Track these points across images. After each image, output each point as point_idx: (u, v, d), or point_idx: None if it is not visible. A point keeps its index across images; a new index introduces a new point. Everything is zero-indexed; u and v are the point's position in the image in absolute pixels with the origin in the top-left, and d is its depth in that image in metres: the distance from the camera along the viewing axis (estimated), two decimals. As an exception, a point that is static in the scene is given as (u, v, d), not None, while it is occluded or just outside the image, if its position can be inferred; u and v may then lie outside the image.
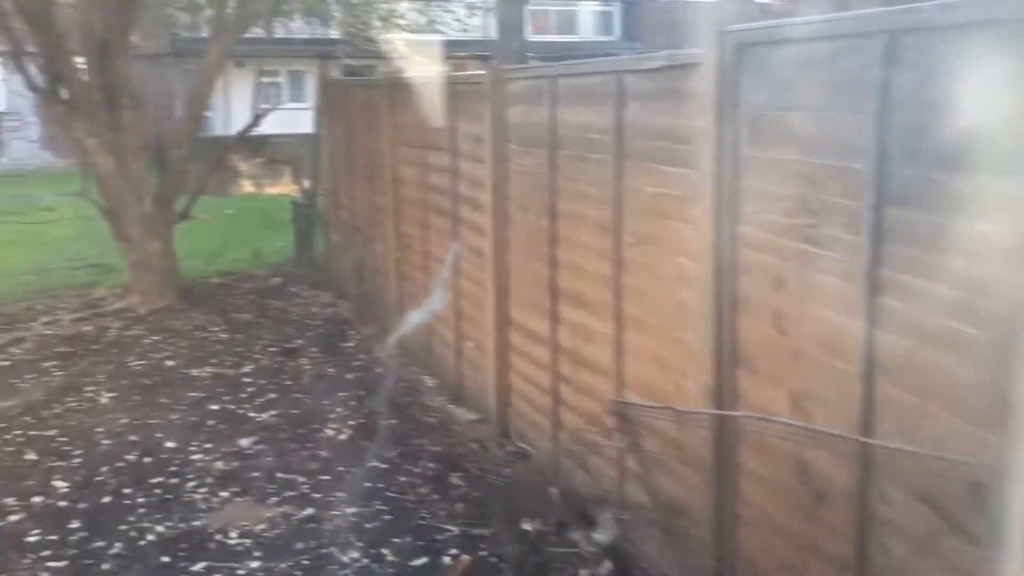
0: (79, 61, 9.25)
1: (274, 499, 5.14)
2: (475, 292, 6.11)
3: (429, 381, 6.93)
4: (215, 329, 8.75)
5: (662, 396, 3.85)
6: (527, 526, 4.57)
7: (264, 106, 10.11)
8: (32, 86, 9.12)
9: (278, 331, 8.68)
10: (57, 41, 8.88)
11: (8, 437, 6.09)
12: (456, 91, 6.26)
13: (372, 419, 6.31)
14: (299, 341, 8.36)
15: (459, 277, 6.42)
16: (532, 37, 21.69)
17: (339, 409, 6.53)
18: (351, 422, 6.28)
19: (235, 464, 5.60)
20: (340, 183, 9.59)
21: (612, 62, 4.32)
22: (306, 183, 11.34)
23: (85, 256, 12.70)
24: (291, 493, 5.21)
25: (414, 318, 6.71)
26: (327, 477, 5.42)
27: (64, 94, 9.13)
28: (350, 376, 7.31)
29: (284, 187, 20.08)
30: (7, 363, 7.77)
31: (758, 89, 3.17)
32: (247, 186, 20.05)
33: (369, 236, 8.58)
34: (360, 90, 8.71)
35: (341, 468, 5.54)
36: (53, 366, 7.66)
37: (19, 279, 11.36)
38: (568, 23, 28.35)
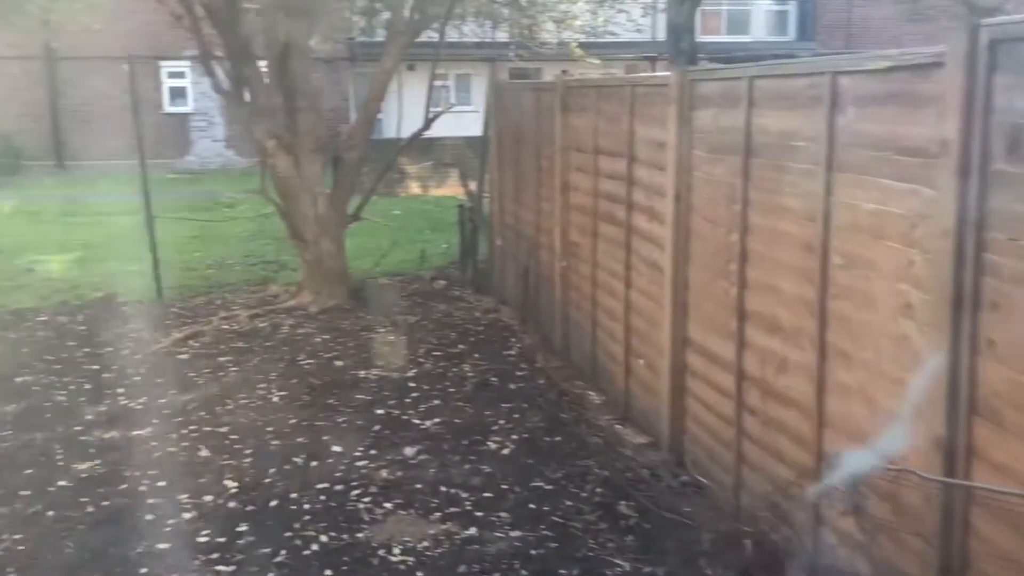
0: (262, 64, 9.54)
1: (437, 515, 4.98)
2: (649, 308, 5.76)
3: (595, 397, 6.64)
4: (382, 330, 8.80)
5: (872, 442, 3.39)
6: (708, 571, 4.19)
7: (436, 109, 10.09)
8: (218, 88, 9.48)
9: (442, 335, 8.62)
10: (242, 45, 9.18)
11: (184, 432, 6.25)
12: (635, 93, 5.93)
13: (536, 434, 6.08)
14: (461, 346, 8.26)
15: (630, 289, 6.09)
16: (701, 38, 21.02)
17: (502, 421, 6.34)
18: (514, 436, 6.07)
19: (399, 474, 5.50)
20: (506, 187, 9.45)
21: (824, 62, 3.88)
22: (472, 186, 11.30)
23: (262, 253, 13.22)
24: (454, 509, 5.04)
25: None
26: (490, 494, 5.22)
27: (247, 96, 9.45)
28: (512, 386, 7.12)
29: (449, 189, 20.36)
30: (186, 356, 8.06)
31: (1018, 93, 2.68)
32: (414, 188, 20.43)
33: (534, 242, 8.39)
34: (530, 92, 8.53)
35: (504, 485, 5.33)
36: (228, 361, 7.88)
37: (201, 273, 11.92)
38: (740, 23, 27.37)
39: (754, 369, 4.44)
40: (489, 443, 5.98)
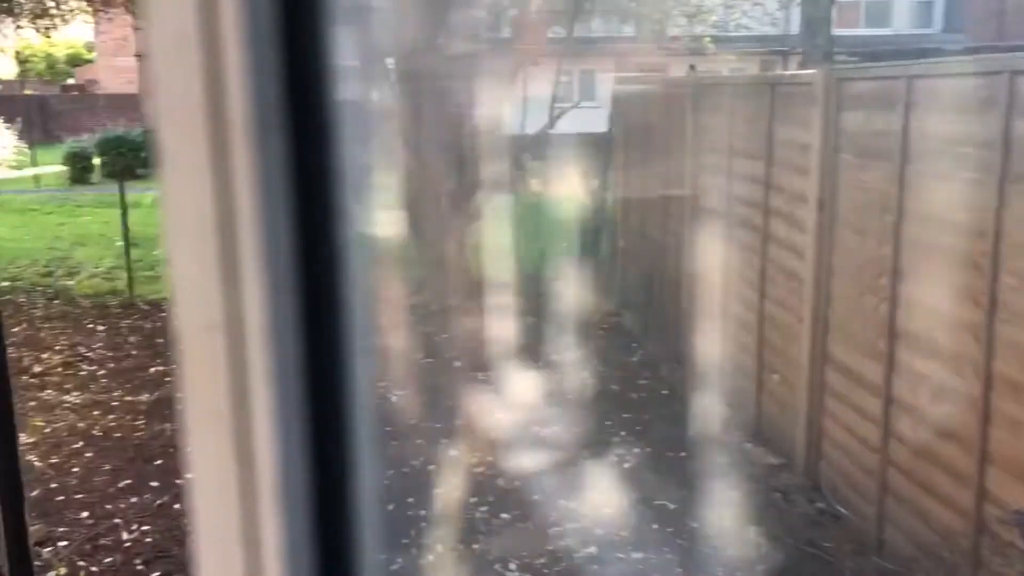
0: (390, 61, 9.59)
1: (555, 529, 4.82)
2: (786, 320, 5.43)
3: (720, 411, 6.33)
4: (500, 331, 8.71)
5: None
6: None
7: (562, 105, 9.92)
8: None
9: (558, 337, 8.46)
10: (369, 43, 9.24)
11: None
12: (775, 92, 5.59)
13: (657, 448, 5.84)
14: (580, 350, 8.07)
15: (764, 300, 5.77)
16: (838, 31, 20.13)
17: (623, 432, 6.13)
18: (636, 449, 5.85)
19: (518, 483, 5.37)
20: (632, 186, 9.20)
21: (1000, 60, 3.50)
22: (595, 184, 11.10)
23: (384, 248, 13.38)
24: (573, 525, 4.86)
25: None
26: (610, 510, 5.02)
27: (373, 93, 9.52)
28: (634, 396, 6.89)
29: (570, 187, 20.19)
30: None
31: None
32: (534, 184, 20.34)
33: (661, 245, 8.11)
34: (658, 89, 8.25)
35: (626, 501, 5.12)
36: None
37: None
38: (880, 15, 26.06)
39: (905, 394, 4.09)
40: (610, 455, 5.78)
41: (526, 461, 5.67)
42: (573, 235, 13.12)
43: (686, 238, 7.23)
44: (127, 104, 35.57)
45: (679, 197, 7.49)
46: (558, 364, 7.69)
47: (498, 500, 5.16)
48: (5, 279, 11.40)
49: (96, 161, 23.30)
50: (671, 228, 7.81)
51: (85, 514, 5.02)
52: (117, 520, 4.94)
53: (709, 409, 6.45)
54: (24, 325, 9.12)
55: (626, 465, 5.64)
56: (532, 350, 8.05)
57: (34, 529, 4.77)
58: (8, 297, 10.23)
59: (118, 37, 36.45)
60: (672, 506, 5.07)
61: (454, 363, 7.78)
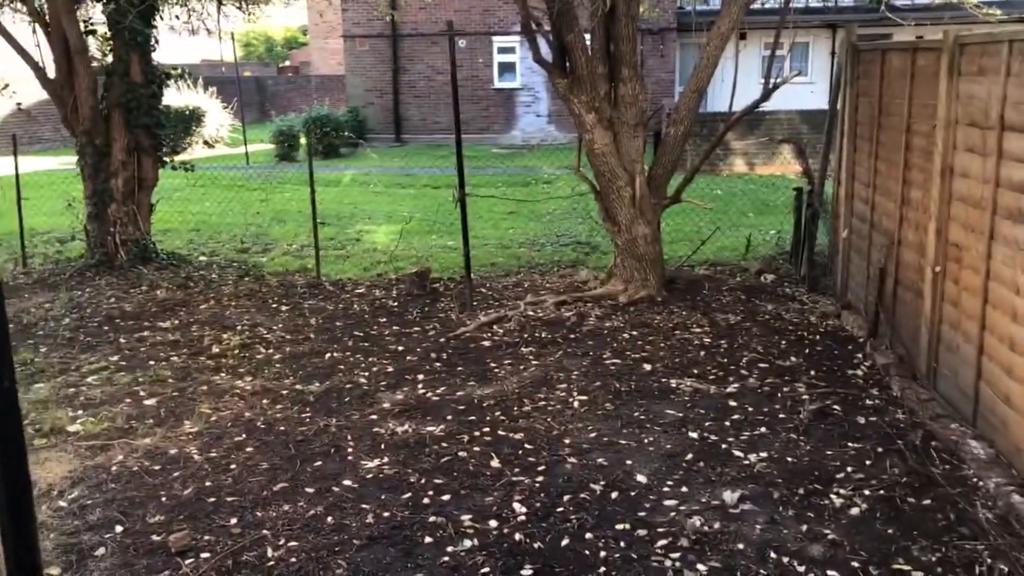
0: (586, 34, 8.78)
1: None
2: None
3: (978, 449, 5.10)
4: (697, 330, 7.74)
5: None
6: None
7: (777, 79, 8.74)
8: (539, 58, 8.86)
9: (768, 341, 7.39)
10: (565, 10, 8.47)
11: (477, 434, 5.67)
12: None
13: (896, 492, 4.73)
14: (793, 359, 6.97)
15: (1044, 313, 4.52)
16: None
17: (850, 468, 5.05)
18: (866, 491, 4.76)
19: (716, 526, 4.46)
20: (860, 168, 7.91)
21: None
22: (812, 166, 9.80)
23: (575, 233, 12.66)
24: (786, 589, 3.92)
25: None
26: (836, 573, 4.02)
27: (567, 66, 8.75)
28: (860, 419, 5.75)
29: (778, 168, 18.63)
30: (488, 343, 7.57)
31: None
32: (738, 165, 18.94)
33: (895, 238, 6.84)
34: (900, 55, 6.93)
35: (855, 563, 4.09)
36: (530, 353, 7.27)
37: (514, 251, 11.58)
38: None
39: None
40: (832, 496, 4.74)
41: (727, 497, 4.73)
42: (779, 220, 11.81)
43: (931, 231, 5.97)
44: (335, 85, 36.98)
45: (923, 182, 6.22)
46: (766, 374, 6.65)
47: (693, 547, 4.28)
48: (204, 254, 11.62)
49: (302, 139, 24.09)
50: (910, 218, 6.55)
51: (234, 520, 4.60)
52: (265, 531, 4.48)
53: (960, 444, 5.22)
54: (212, 302, 9.11)
55: (853, 511, 4.58)
56: (734, 355, 7.04)
57: (180, 535, 4.39)
58: (202, 273, 10.34)
59: (330, 20, 37.89)
60: (917, 574, 4.00)
61: (642, 367, 6.91)
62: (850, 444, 5.37)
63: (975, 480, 4.85)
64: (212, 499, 4.85)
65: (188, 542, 4.34)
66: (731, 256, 10.71)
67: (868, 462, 5.11)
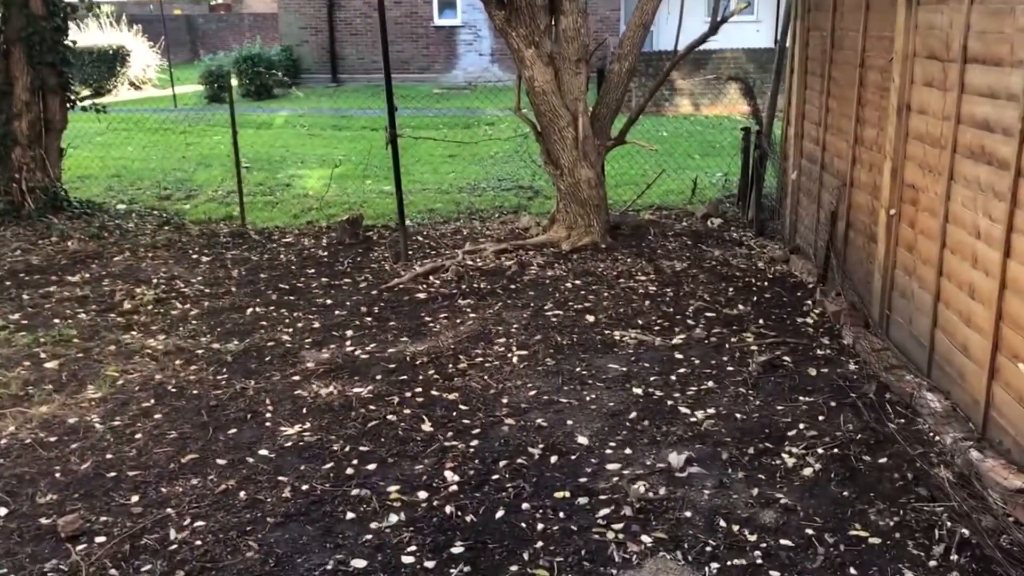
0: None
1: (715, 566, 3.59)
2: (1048, 292, 3.91)
3: (934, 401, 4.85)
4: (642, 278, 7.41)
5: None
6: None
7: (725, 13, 8.31)
8: (474, -11, 8.30)
9: (715, 289, 7.09)
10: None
11: (409, 395, 5.28)
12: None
13: (851, 450, 4.47)
14: (741, 307, 6.68)
15: (1009, 259, 4.24)
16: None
17: (802, 424, 4.78)
18: (819, 449, 4.50)
19: (661, 491, 4.15)
20: (811, 107, 7.58)
21: None
22: (758, 105, 9.46)
23: (517, 177, 12.21)
24: (738, 561, 3.62)
25: None
26: (789, 542, 3.74)
27: (506, -2, 8.20)
28: (811, 371, 5.49)
29: (724, 108, 18.29)
30: (423, 295, 7.14)
31: None
32: (684, 106, 18.56)
33: (848, 179, 6.54)
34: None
35: (809, 530, 3.82)
36: (468, 305, 6.87)
37: (453, 197, 11.10)
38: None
39: None
40: (784, 456, 4.46)
41: (673, 459, 4.42)
42: (726, 162, 11.50)
43: (886, 172, 5.67)
44: (270, 23, 35.51)
45: (878, 120, 5.90)
46: (713, 323, 6.35)
47: (637, 516, 3.97)
48: (123, 201, 10.92)
49: (233, 80, 23.01)
50: (863, 158, 6.24)
51: (135, 498, 4.16)
52: (170, 510, 4.05)
53: (915, 396, 4.97)
54: (127, 254, 8.51)
55: (806, 472, 4.31)
56: (680, 303, 6.72)
57: (71, 517, 3.93)
58: (118, 222, 9.68)
59: (263, -45, 36.18)
60: (875, 541, 3.74)
61: (585, 319, 6.57)
62: (801, 398, 5.10)
63: (932, 435, 4.61)
64: (112, 474, 4.39)
65: (80, 525, 3.89)
66: (677, 200, 10.38)
67: (821, 417, 4.84)
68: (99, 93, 24.17)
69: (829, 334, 6.09)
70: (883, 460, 4.37)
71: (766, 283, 7.24)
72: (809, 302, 6.73)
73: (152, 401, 5.23)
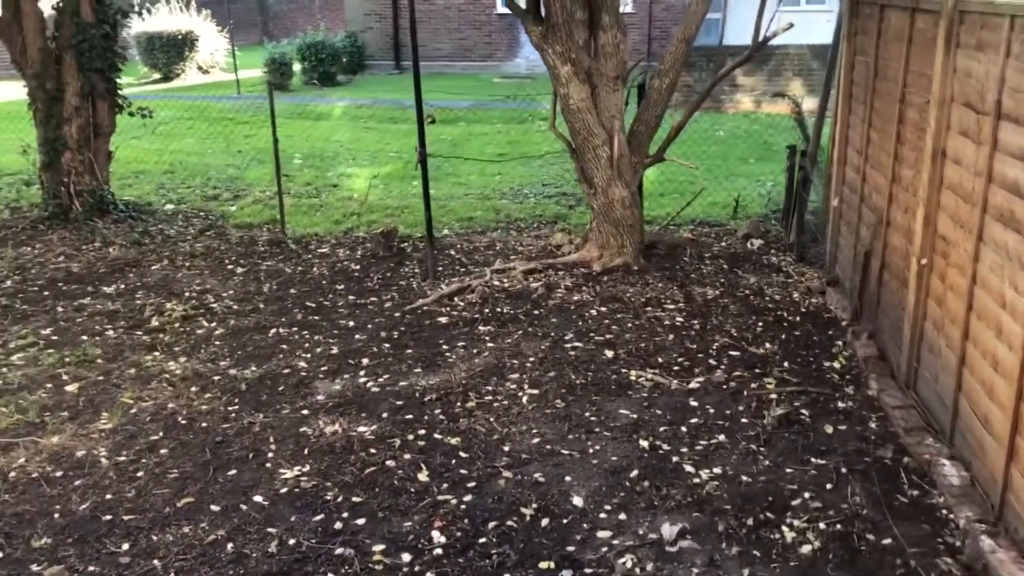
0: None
1: (688, 659, 3.47)
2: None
3: (951, 472, 4.61)
4: (671, 307, 7.22)
5: None
6: None
7: (766, 33, 8.00)
8: (511, 4, 8.15)
9: (744, 323, 6.87)
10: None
11: (411, 437, 5.24)
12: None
13: (856, 527, 4.28)
14: (768, 346, 6.46)
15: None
16: None
17: (807, 493, 4.58)
18: (822, 523, 4.31)
19: (648, 567, 4.03)
20: (852, 134, 7.25)
21: None
22: (806, 107, 9.09)
23: (561, 182, 12.03)
24: (714, 654, 3.49)
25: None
26: (772, 635, 3.60)
27: (543, 12, 8.03)
28: (828, 428, 5.27)
29: (787, 107, 17.72)
30: (445, 320, 7.09)
31: None
32: (745, 103, 18.06)
33: (883, 217, 6.25)
34: (899, 14, 6.18)
35: (796, 621, 3.67)
36: (487, 332, 6.79)
37: (494, 203, 11.00)
38: None
39: None
40: (784, 528, 4.29)
41: (666, 531, 4.29)
42: (781, 169, 11.13)
43: (919, 218, 5.37)
44: (339, 4, 35.71)
45: (914, 161, 5.60)
46: (735, 364, 6.15)
47: (620, 590, 3.86)
48: (171, 201, 11.12)
49: (296, 67, 23.23)
50: (900, 199, 5.94)
51: (126, 546, 4.22)
52: (156, 561, 4.09)
53: (933, 465, 4.73)
54: (165, 262, 8.65)
55: (803, 550, 4.14)
56: (704, 339, 6.52)
57: (56, 570, 4.01)
58: (161, 226, 9.85)
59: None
60: (863, 640, 3.57)
61: (603, 354, 6.43)
62: (813, 460, 4.90)
63: (945, 512, 4.38)
64: (108, 517, 4.46)
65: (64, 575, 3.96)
66: (722, 214, 10.10)
67: (829, 485, 4.64)
68: (167, 78, 24.73)
69: (855, 383, 5.84)
70: (888, 541, 4.17)
71: (798, 318, 6.99)
72: (839, 343, 6.48)
73: (160, 434, 5.31)
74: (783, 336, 6.64)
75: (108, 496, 4.65)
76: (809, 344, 6.50)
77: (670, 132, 8.66)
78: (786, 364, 6.14)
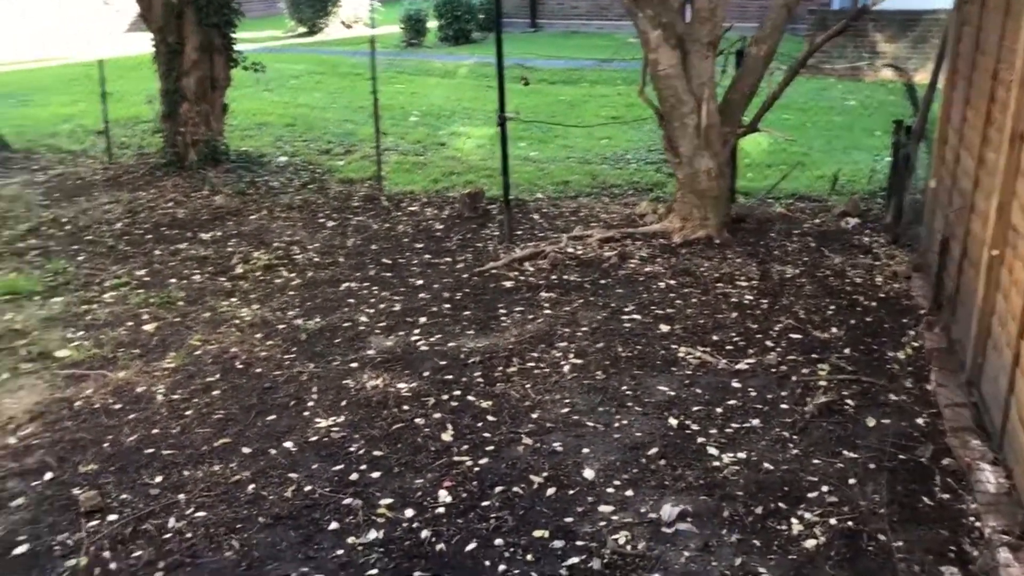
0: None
1: (655, 642, 3.46)
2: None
3: (991, 477, 4.32)
4: (743, 284, 7.02)
5: None
6: None
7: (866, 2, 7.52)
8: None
9: (815, 305, 6.59)
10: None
11: (445, 397, 5.37)
12: None
13: (869, 525, 4.09)
14: (834, 330, 6.19)
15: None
16: None
17: (827, 486, 4.41)
18: (834, 519, 4.14)
19: (640, 546, 4.00)
20: (953, 112, 6.76)
21: None
22: (917, 78, 8.52)
23: (662, 150, 11.77)
24: (681, 640, 3.47)
25: None
26: (749, 628, 3.53)
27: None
28: (870, 421, 5.02)
29: (928, 76, 16.60)
30: (510, 284, 7.15)
31: None
32: (885, 72, 17.03)
33: (969, 202, 5.83)
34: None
35: (778, 616, 3.58)
36: (548, 299, 6.81)
37: (593, 168, 10.92)
38: None
39: None
40: (793, 520, 4.16)
41: (666, 512, 4.24)
42: (881, 153, 10.51)
43: (992, 205, 4.99)
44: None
45: (997, 142, 5.18)
46: (791, 348, 5.94)
47: (605, 570, 3.87)
48: (286, 153, 11.61)
49: (432, 24, 23.54)
50: (984, 184, 5.52)
51: (159, 479, 4.56)
52: (181, 496, 4.41)
53: (973, 468, 4.45)
54: (264, 212, 9.09)
55: (808, 544, 4.01)
56: (768, 319, 6.31)
57: (91, 494, 4.38)
58: (267, 178, 10.33)
59: None
60: (840, 643, 3.44)
61: (659, 328, 6.34)
62: (845, 452, 4.70)
63: (971, 520, 4.13)
64: (150, 450, 4.82)
65: (98, 502, 4.32)
66: (826, 189, 9.64)
67: (852, 480, 4.45)
68: (312, 32, 25.63)
69: (916, 376, 5.53)
70: (898, 544, 3.98)
71: (875, 303, 6.64)
72: (912, 332, 6.13)
73: (216, 376, 5.65)
74: (852, 321, 6.33)
75: (155, 431, 5.01)
76: (878, 331, 6.18)
77: (765, 101, 8.33)
78: (847, 351, 5.87)
